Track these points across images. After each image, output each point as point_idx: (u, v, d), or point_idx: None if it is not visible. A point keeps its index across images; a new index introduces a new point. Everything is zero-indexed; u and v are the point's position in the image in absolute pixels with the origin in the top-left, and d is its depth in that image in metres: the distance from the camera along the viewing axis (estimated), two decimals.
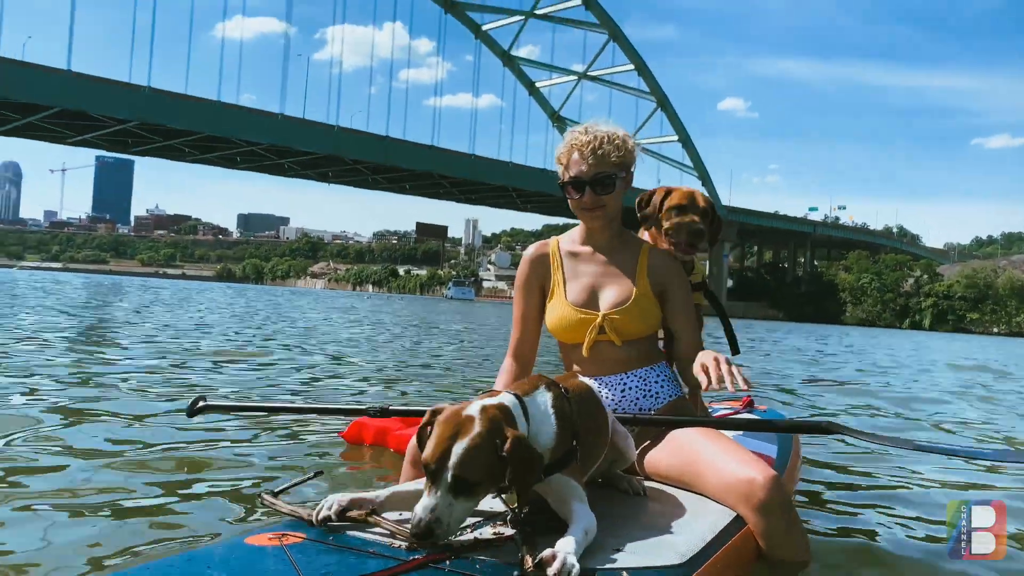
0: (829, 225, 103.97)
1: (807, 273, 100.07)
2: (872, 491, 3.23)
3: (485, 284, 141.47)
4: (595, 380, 2.11)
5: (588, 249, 2.23)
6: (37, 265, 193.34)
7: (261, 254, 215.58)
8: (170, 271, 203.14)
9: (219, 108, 47.78)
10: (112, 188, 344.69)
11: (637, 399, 2.14)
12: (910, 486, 3.34)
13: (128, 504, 2.47)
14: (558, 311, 2.18)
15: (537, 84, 72.66)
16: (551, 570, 1.27)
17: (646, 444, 2.06)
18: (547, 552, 1.31)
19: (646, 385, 2.16)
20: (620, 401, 2.13)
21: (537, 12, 67.40)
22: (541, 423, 1.54)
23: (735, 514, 1.76)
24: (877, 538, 2.49)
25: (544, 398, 1.58)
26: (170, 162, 63.83)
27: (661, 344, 2.33)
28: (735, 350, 2.64)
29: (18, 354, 6.40)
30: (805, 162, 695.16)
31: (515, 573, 1.28)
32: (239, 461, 3.09)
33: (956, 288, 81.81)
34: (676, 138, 72.61)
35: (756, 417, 2.75)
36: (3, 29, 42.25)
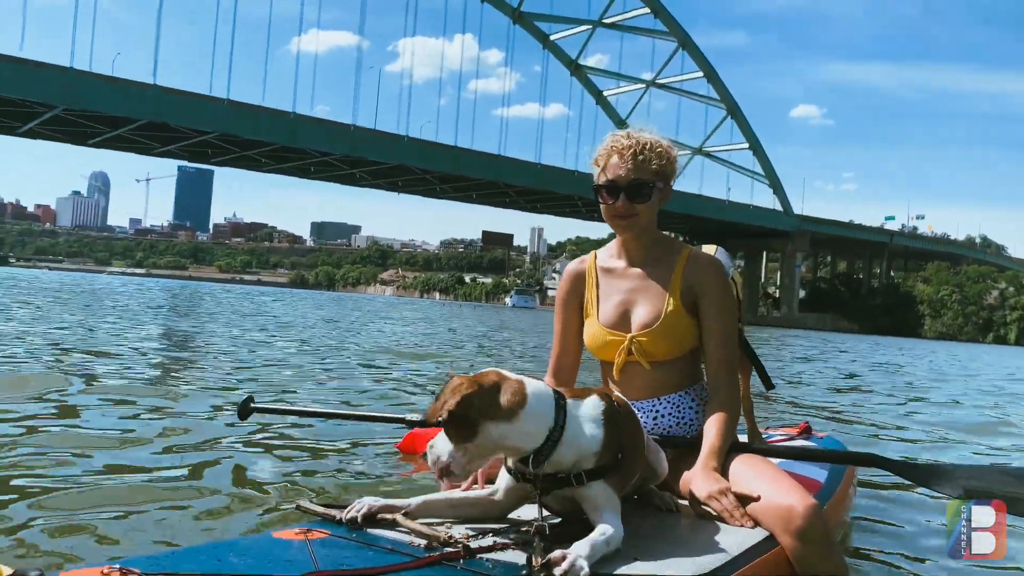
0: (906, 235, 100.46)
1: (883, 284, 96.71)
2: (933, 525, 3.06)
3: (550, 292, 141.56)
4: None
5: (623, 264, 2.13)
6: (123, 271, 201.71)
7: (333, 261, 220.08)
8: (246, 277, 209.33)
9: (294, 120, 49.20)
10: (193, 197, 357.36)
11: (670, 427, 2.07)
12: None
13: (172, 499, 2.63)
14: (591, 331, 2.13)
15: (605, 93, 72.48)
16: (558, 570, 1.27)
17: (683, 465, 1.98)
18: (557, 553, 1.31)
19: (679, 412, 2.08)
20: (652, 429, 2.06)
21: (605, 21, 67.37)
22: (585, 426, 1.55)
23: (767, 534, 1.72)
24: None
25: (597, 404, 1.60)
26: (247, 172, 65.96)
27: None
28: (768, 385, 2.53)
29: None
30: (882, 170, 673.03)
31: (523, 572, 1.29)
32: (294, 466, 3.21)
33: None
34: (747, 146, 71.41)
35: (799, 444, 2.72)
36: (95, 47, 44.59)
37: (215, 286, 77.17)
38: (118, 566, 1.15)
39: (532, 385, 1.53)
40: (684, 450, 2.01)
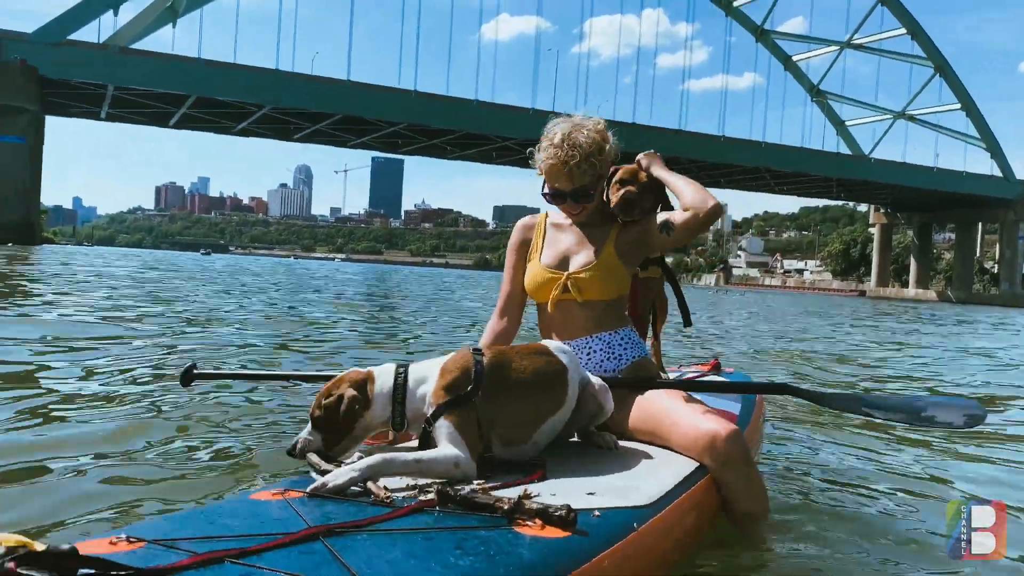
0: None
1: None
2: (838, 452, 3.36)
3: (735, 271, 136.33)
4: (564, 344, 2.24)
5: (570, 222, 2.42)
6: (324, 256, 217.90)
7: None
8: (435, 260, 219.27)
9: (476, 107, 50.63)
10: (385, 185, 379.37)
11: (601, 362, 2.28)
12: (882, 451, 3.42)
13: (132, 467, 2.57)
14: (531, 271, 2.38)
15: (794, 58, 68.27)
16: (311, 487, 1.50)
17: (615, 400, 2.16)
18: (512, 493, 1.46)
19: (610, 348, 2.29)
20: (586, 364, 2.26)
21: None
22: (424, 381, 1.78)
23: (698, 464, 1.89)
24: (836, 497, 2.61)
25: (440, 360, 1.83)
26: (434, 159, 68.85)
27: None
28: (687, 323, 2.79)
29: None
30: None
31: (494, 514, 1.40)
32: (245, 430, 3.18)
33: None
34: (958, 106, 64.48)
35: (716, 379, 2.89)
36: (296, 48, 48.12)
37: (414, 268, 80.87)
38: (124, 535, 1.19)
39: (376, 374, 1.80)
40: (614, 390, 2.15)
